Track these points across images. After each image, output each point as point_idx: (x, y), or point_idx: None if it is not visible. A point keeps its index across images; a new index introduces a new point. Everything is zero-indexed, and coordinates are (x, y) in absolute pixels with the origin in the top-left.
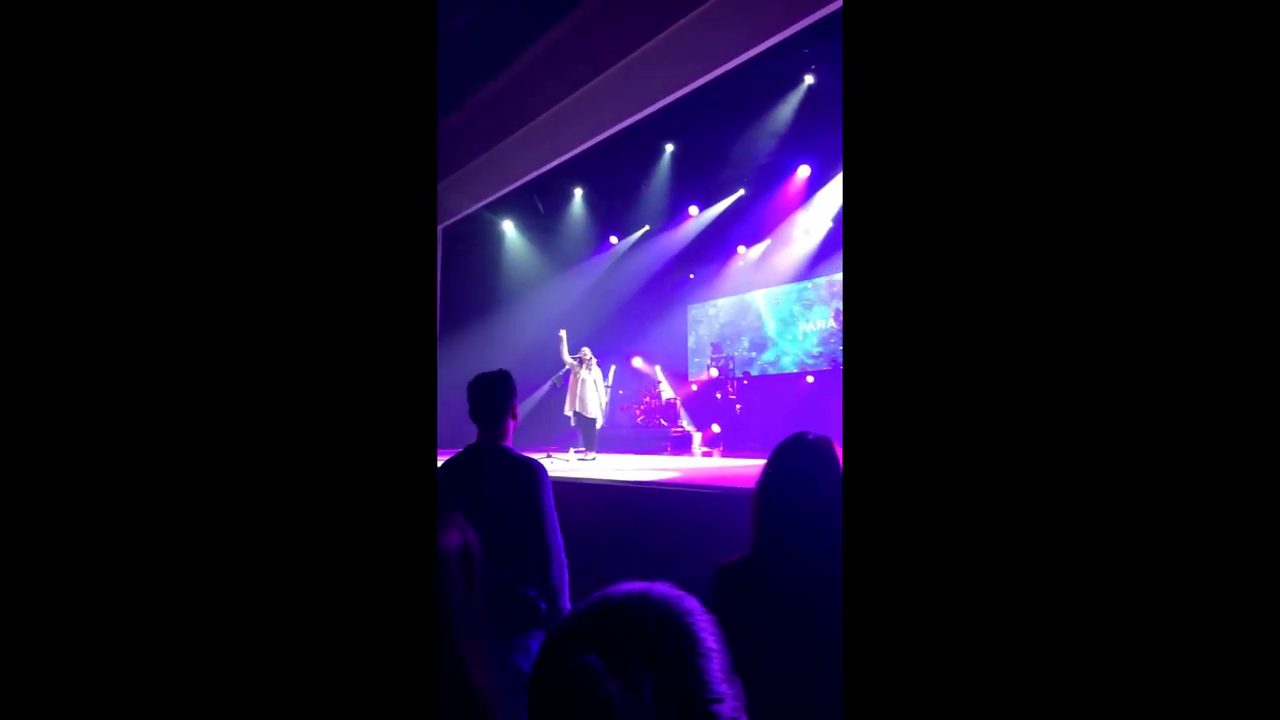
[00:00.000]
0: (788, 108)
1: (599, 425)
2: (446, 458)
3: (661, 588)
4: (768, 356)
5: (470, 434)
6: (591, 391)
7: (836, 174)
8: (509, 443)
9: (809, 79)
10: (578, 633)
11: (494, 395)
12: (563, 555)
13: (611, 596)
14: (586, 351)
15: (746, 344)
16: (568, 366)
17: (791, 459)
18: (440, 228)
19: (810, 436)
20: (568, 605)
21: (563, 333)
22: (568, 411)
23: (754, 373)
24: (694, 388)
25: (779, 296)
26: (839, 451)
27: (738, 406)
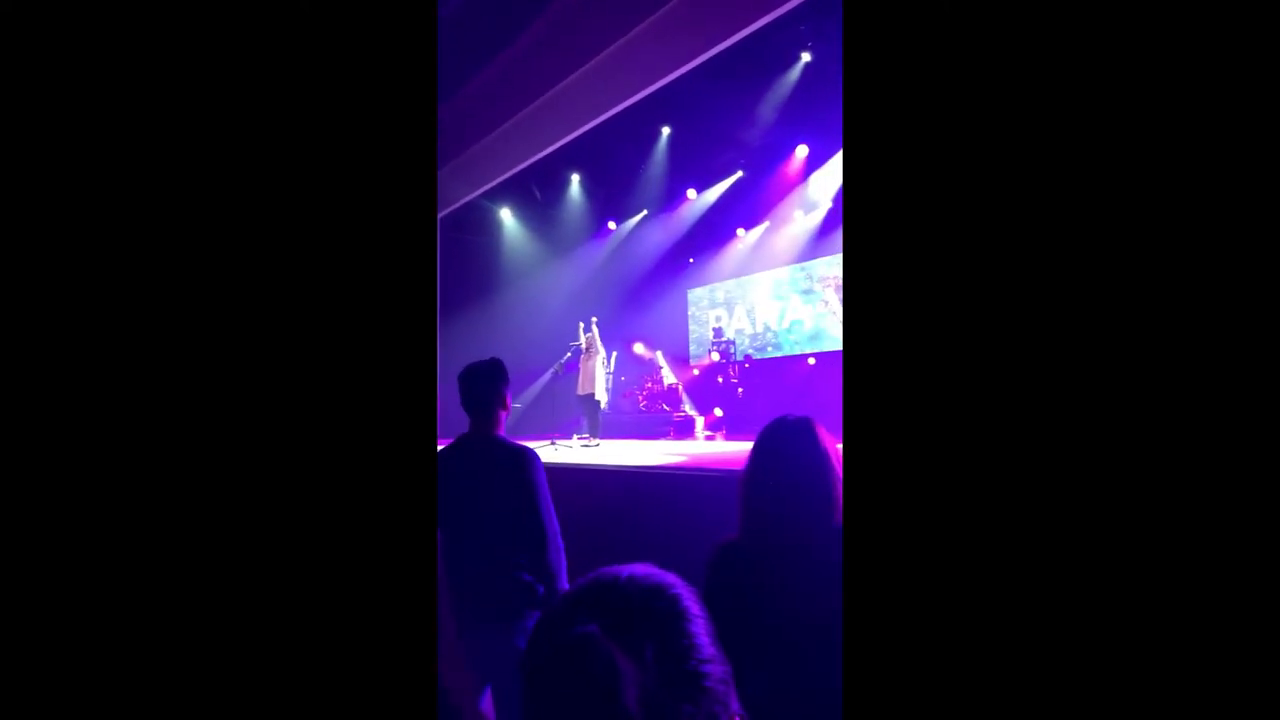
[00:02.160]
0: (785, 86)
1: (603, 409)
2: (439, 448)
3: (643, 567)
4: (769, 339)
5: (465, 424)
6: (597, 375)
7: (835, 153)
8: (501, 431)
9: (806, 56)
10: (576, 607)
11: (485, 384)
12: (559, 539)
13: (603, 576)
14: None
15: (747, 327)
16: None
17: (772, 441)
18: (439, 216)
19: (790, 418)
20: (566, 587)
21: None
22: (581, 393)
23: (755, 356)
24: (695, 372)
25: (779, 278)
26: (821, 432)
27: (740, 390)
